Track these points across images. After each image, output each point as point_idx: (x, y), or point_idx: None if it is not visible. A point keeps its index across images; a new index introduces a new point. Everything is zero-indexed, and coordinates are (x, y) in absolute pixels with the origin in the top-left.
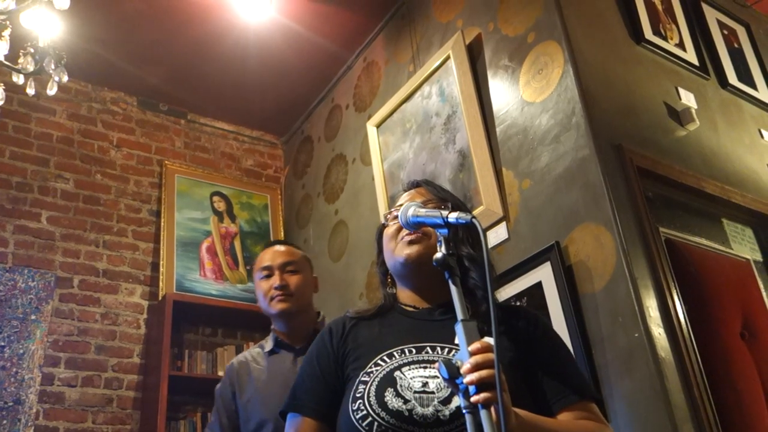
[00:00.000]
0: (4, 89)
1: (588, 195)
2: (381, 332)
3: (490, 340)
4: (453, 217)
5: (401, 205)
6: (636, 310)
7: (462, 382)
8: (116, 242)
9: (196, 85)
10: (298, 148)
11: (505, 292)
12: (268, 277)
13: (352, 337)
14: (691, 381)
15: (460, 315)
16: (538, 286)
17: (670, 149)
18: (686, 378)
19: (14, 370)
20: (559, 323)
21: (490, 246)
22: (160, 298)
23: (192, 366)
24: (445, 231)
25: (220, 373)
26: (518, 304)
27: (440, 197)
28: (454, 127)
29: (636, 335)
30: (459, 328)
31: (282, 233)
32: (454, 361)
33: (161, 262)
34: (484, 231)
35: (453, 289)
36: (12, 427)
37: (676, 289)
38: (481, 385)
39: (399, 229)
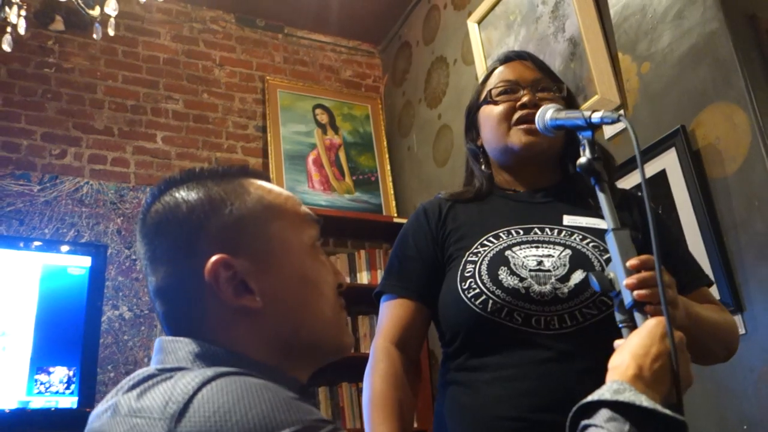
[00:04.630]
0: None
1: (718, 73)
2: (481, 214)
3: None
4: (597, 116)
5: (508, 80)
6: None
7: (616, 295)
8: (227, 159)
9: None
10: (396, 54)
11: (624, 184)
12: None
13: (451, 217)
14: None
15: (611, 224)
16: (662, 174)
17: None
18: None
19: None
20: (686, 211)
21: (606, 138)
22: None
23: None
24: (588, 133)
25: None
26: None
27: (553, 78)
28: (563, 14)
29: None
30: (610, 238)
31: (385, 142)
32: (606, 273)
33: (271, 176)
34: (632, 126)
35: (601, 196)
36: (149, 332)
37: None
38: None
39: (511, 110)
